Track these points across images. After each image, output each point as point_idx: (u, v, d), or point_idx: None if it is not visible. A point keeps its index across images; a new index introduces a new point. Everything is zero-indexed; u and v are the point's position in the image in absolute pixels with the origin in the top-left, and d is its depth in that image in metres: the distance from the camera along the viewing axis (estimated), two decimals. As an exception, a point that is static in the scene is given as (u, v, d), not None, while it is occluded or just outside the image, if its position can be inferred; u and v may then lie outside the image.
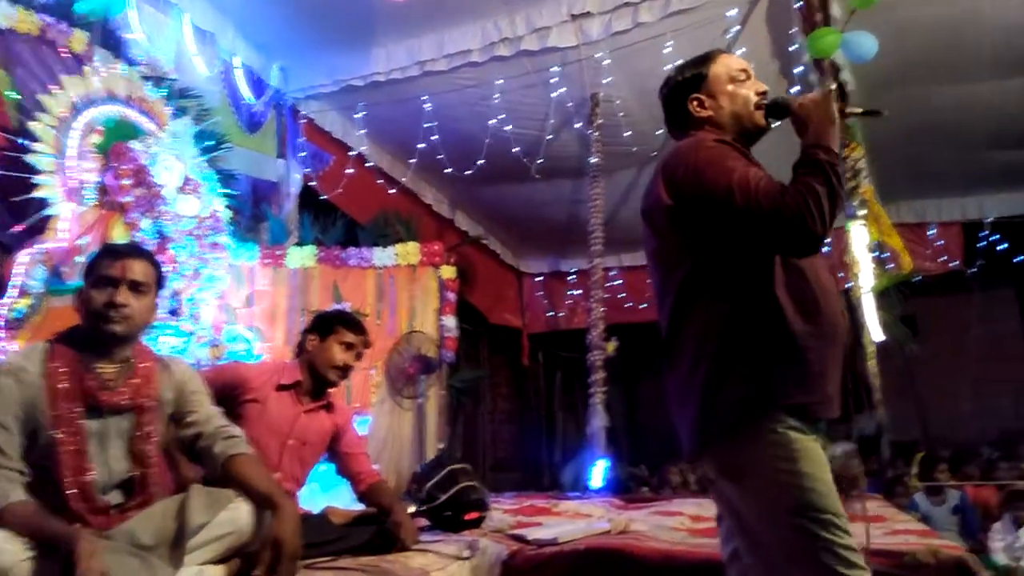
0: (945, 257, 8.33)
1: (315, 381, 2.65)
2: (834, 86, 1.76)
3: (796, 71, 5.46)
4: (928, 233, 8.37)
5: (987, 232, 8.14)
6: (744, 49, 5.37)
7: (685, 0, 4.95)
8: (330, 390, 2.72)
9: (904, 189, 7.98)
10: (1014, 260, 8.17)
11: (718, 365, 1.59)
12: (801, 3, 4.99)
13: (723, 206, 1.57)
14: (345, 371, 2.64)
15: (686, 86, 1.82)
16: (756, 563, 1.59)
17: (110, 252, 2.00)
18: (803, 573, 1.50)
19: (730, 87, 1.79)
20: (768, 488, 1.53)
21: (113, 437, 1.90)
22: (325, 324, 2.69)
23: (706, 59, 1.85)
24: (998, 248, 8.14)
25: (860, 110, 1.79)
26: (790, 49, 5.34)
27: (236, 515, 1.85)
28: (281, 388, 2.59)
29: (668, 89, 1.88)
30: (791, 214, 1.50)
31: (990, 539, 4.78)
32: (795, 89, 5.57)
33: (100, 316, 1.88)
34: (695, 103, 1.80)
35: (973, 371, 9.05)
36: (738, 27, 5.20)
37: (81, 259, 3.07)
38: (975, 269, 8.28)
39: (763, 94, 1.81)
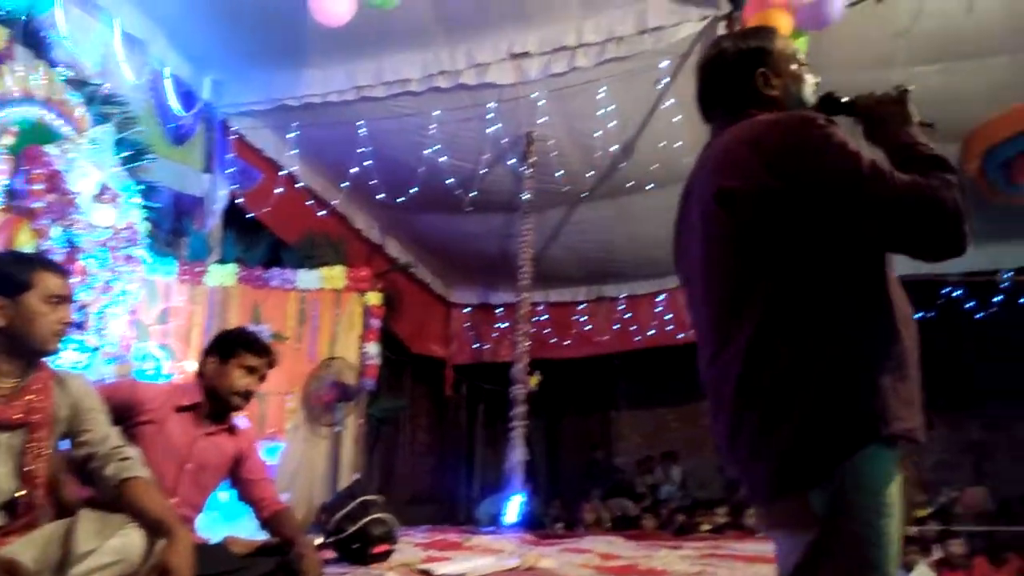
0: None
1: (215, 405, 2.51)
2: (909, 87, 1.54)
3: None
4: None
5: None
6: (672, 101, 5.60)
7: (620, 48, 5.13)
8: (234, 413, 2.60)
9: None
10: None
11: (802, 392, 1.29)
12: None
13: (857, 193, 1.30)
14: (247, 396, 2.51)
15: (750, 57, 1.55)
16: None
17: (58, 268, 1.96)
18: None
19: (794, 67, 1.57)
20: (841, 540, 1.26)
21: (2, 454, 1.79)
22: (226, 346, 2.53)
23: (766, 32, 1.62)
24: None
25: (918, 119, 1.54)
26: (718, 103, 5.58)
27: (127, 542, 1.76)
28: (181, 409, 2.46)
29: (726, 59, 1.59)
30: (946, 208, 1.27)
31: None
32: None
33: (57, 335, 1.86)
34: (761, 78, 1.53)
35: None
36: (668, 79, 5.41)
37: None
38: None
39: (818, 84, 1.60)
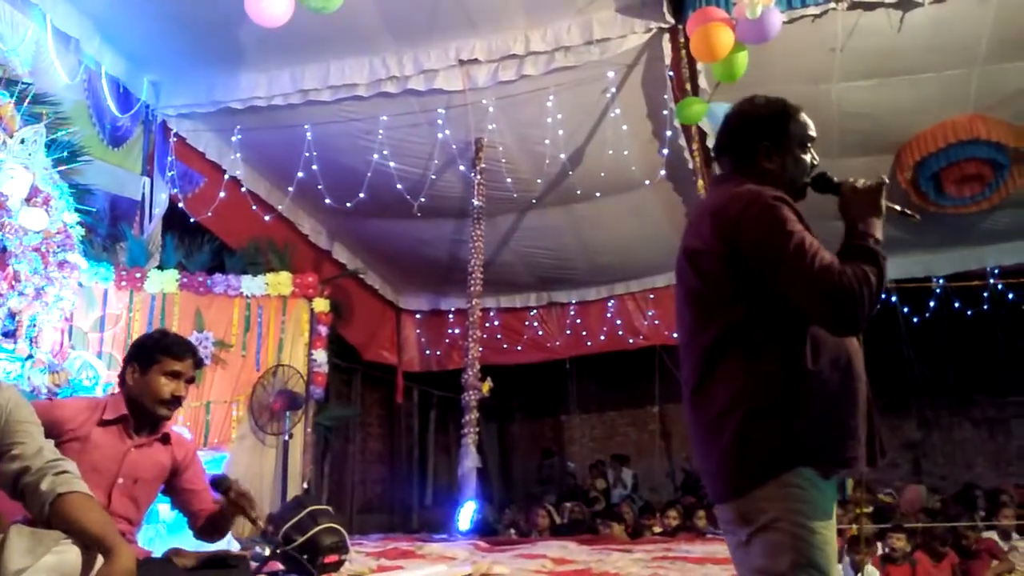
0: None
1: (142, 416, 2.37)
2: (887, 180, 1.72)
3: (667, 134, 5.81)
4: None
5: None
6: (619, 110, 5.68)
7: (568, 58, 5.19)
8: (165, 423, 2.48)
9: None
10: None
11: (753, 415, 1.58)
12: (672, 72, 5.34)
13: (779, 267, 1.58)
14: (175, 402, 2.37)
15: (763, 127, 1.78)
16: None
17: None
18: None
19: (799, 152, 1.79)
20: (777, 539, 1.54)
21: (-77, 469, 1.68)
22: (145, 353, 2.37)
23: (788, 110, 1.81)
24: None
25: (898, 208, 1.76)
26: (663, 113, 5.69)
27: (62, 559, 1.67)
28: (105, 423, 2.32)
29: (742, 120, 1.82)
30: (847, 296, 1.52)
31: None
32: (664, 151, 5.94)
33: None
34: (764, 151, 1.76)
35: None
36: (615, 89, 5.48)
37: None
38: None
39: (816, 165, 1.81)
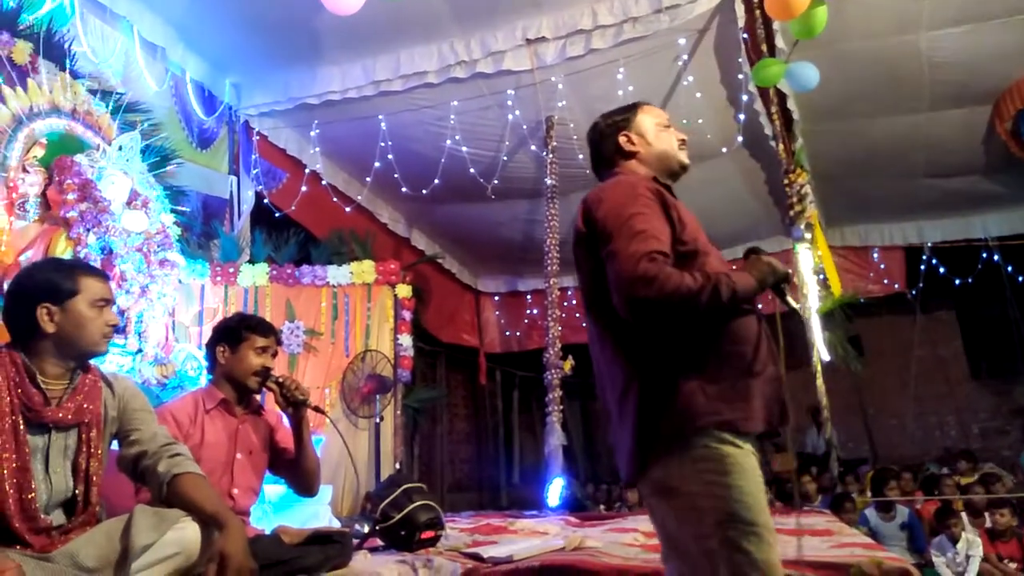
0: (888, 280, 8.62)
1: (239, 392, 2.60)
2: (790, 271, 1.83)
3: (743, 98, 5.63)
4: (872, 256, 8.66)
5: (927, 256, 8.45)
6: (691, 78, 5.53)
7: (636, 29, 5.08)
8: (255, 396, 2.68)
9: (848, 214, 8.26)
10: (955, 283, 8.49)
11: (648, 389, 1.63)
12: (746, 34, 5.17)
13: (603, 238, 1.67)
14: (265, 374, 2.58)
15: (616, 126, 1.97)
16: None
17: (100, 273, 2.00)
18: None
19: (656, 129, 1.96)
20: (697, 501, 1.57)
21: (57, 454, 1.82)
22: (232, 334, 2.60)
23: (633, 107, 2.01)
24: (940, 271, 8.46)
25: (790, 302, 1.85)
26: (738, 77, 5.51)
27: (183, 535, 1.79)
28: (209, 411, 2.54)
29: (598, 131, 2.01)
30: (644, 280, 1.56)
31: (933, 554, 4.91)
32: (741, 116, 5.77)
33: (106, 337, 1.90)
34: (624, 139, 1.94)
35: (917, 390, 9.34)
36: (686, 56, 5.34)
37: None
38: (915, 292, 8.59)
39: (683, 142, 1.98)
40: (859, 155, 6.75)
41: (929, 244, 8.43)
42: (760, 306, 1.79)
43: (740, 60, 5.36)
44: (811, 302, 5.78)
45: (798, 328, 5.70)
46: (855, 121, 6.27)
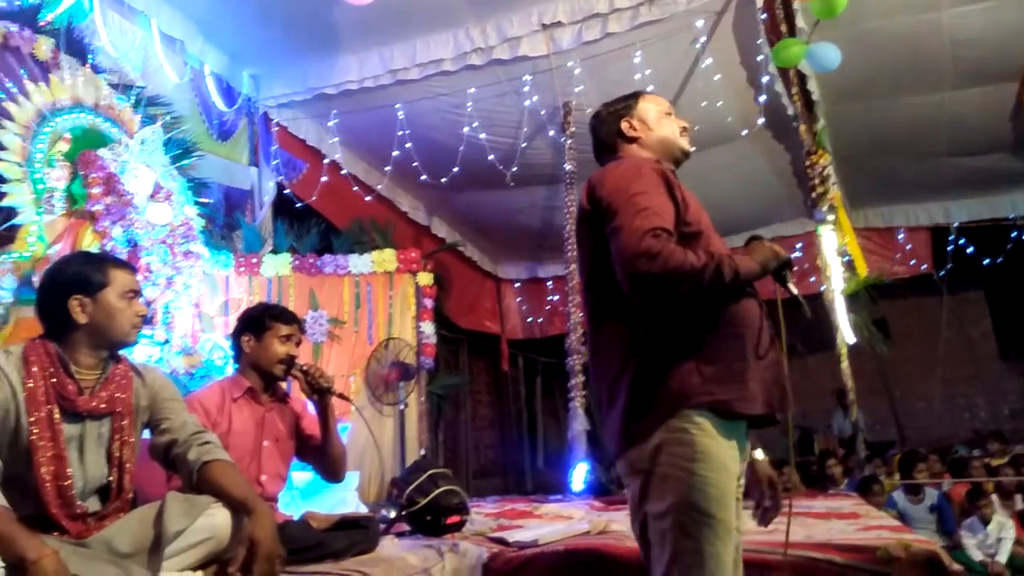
0: (914, 261, 8.50)
1: (264, 380, 2.64)
2: (791, 260, 1.83)
3: (763, 80, 5.56)
4: (897, 237, 8.54)
5: (954, 236, 8.33)
6: (710, 60, 5.47)
7: (653, 11, 5.03)
8: (281, 384, 2.72)
9: (872, 195, 8.15)
10: (983, 264, 8.36)
11: (643, 368, 1.64)
12: (766, 14, 5.09)
13: (607, 215, 1.67)
14: (290, 362, 2.63)
15: (618, 112, 1.98)
16: (648, 559, 1.65)
17: (128, 265, 2.05)
18: (668, 568, 1.56)
19: (657, 116, 1.97)
20: (662, 482, 1.59)
21: (91, 442, 1.87)
22: (257, 323, 2.65)
23: (635, 95, 2.02)
24: (966, 252, 8.33)
25: (793, 292, 1.80)
26: (757, 59, 5.44)
27: (214, 521, 1.83)
28: (236, 400, 2.59)
29: (599, 118, 2.02)
30: (647, 255, 1.55)
31: (963, 536, 4.87)
32: (762, 98, 5.69)
33: (136, 328, 1.95)
34: (627, 124, 1.95)
35: (945, 371, 9.22)
36: (704, 38, 5.28)
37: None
38: (943, 272, 8.47)
39: (685, 129, 1.98)
40: (882, 135, 6.65)
41: (956, 224, 8.29)
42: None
43: (759, 41, 5.29)
44: (835, 284, 5.72)
45: (822, 310, 5.65)
46: (877, 101, 6.17)
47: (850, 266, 6.44)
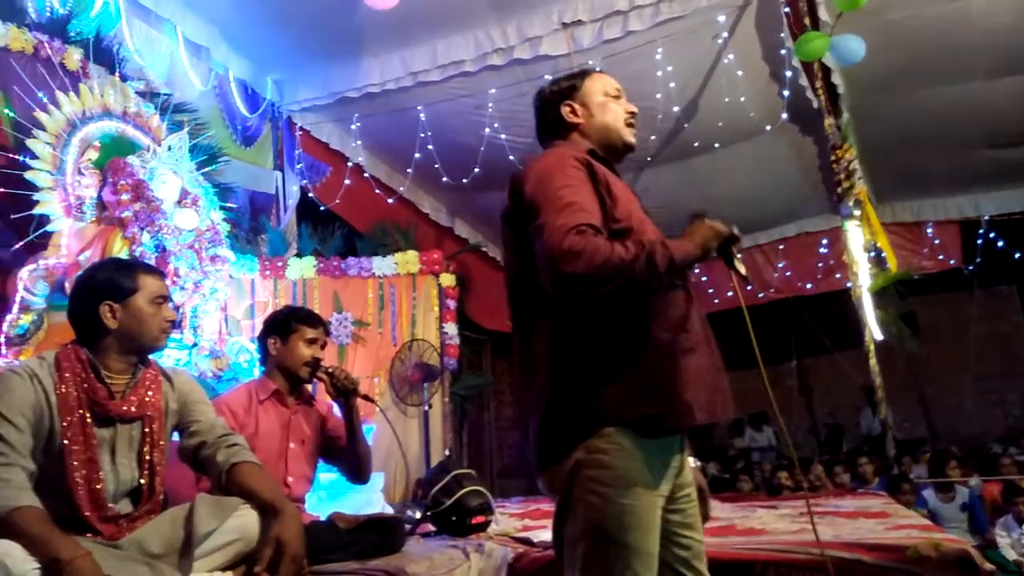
0: (943, 255, 8.36)
1: (290, 382, 2.67)
2: (737, 231, 1.67)
3: (786, 74, 5.50)
4: (925, 232, 8.41)
5: (984, 230, 8.17)
6: (732, 55, 5.42)
7: (675, 8, 4.99)
8: (306, 386, 2.75)
9: (900, 189, 8.03)
10: (1015, 257, 8.19)
11: (561, 383, 1.54)
12: (788, 8, 5.04)
13: (530, 213, 1.56)
14: (315, 365, 2.65)
15: (560, 94, 1.85)
16: None
17: (157, 271, 2.09)
18: None
19: (602, 99, 1.83)
20: (576, 506, 1.50)
21: (122, 445, 1.90)
22: (283, 326, 2.68)
23: (582, 73, 1.89)
24: (997, 245, 8.17)
25: (739, 270, 1.69)
26: (780, 53, 5.39)
27: (243, 522, 1.86)
28: (262, 402, 2.62)
29: (542, 98, 1.89)
30: (570, 254, 1.43)
31: (997, 535, 4.78)
32: (785, 92, 5.63)
33: (165, 333, 2.00)
34: (567, 109, 1.82)
35: (977, 368, 9.06)
36: (726, 33, 5.24)
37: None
38: (973, 267, 8.32)
39: (633, 114, 1.84)
40: (909, 128, 6.54)
41: (986, 217, 8.14)
42: (716, 301, 1.66)
43: (782, 35, 5.23)
44: (862, 280, 5.65)
45: (848, 307, 5.58)
46: (904, 93, 6.08)
47: (877, 262, 6.35)
